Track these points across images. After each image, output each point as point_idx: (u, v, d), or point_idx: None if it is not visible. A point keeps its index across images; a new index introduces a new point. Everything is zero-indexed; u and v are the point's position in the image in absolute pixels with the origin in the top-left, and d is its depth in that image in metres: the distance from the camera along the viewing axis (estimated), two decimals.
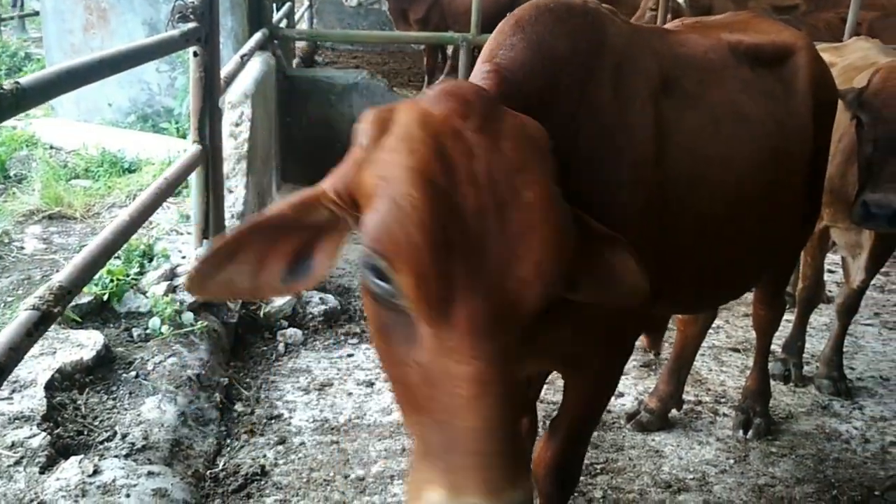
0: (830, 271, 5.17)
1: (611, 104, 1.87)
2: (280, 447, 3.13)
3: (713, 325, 4.39)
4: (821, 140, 2.77)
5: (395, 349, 1.30)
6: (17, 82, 2.20)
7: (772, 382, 3.65)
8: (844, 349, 3.92)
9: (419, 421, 1.26)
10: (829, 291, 4.94)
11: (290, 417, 3.34)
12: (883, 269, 4.32)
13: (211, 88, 3.85)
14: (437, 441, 1.20)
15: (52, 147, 6.19)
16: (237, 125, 4.96)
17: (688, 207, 2.10)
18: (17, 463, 2.64)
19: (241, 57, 4.97)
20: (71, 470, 2.57)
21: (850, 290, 3.77)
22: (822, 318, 4.60)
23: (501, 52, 1.78)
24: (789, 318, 4.16)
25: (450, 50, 9.53)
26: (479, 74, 1.74)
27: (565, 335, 1.93)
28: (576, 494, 2.89)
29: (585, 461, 3.14)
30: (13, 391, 2.97)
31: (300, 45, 9.75)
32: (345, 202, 1.37)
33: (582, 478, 3.07)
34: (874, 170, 3.00)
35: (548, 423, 2.44)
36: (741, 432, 3.41)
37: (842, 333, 3.88)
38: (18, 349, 2.04)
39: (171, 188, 3.47)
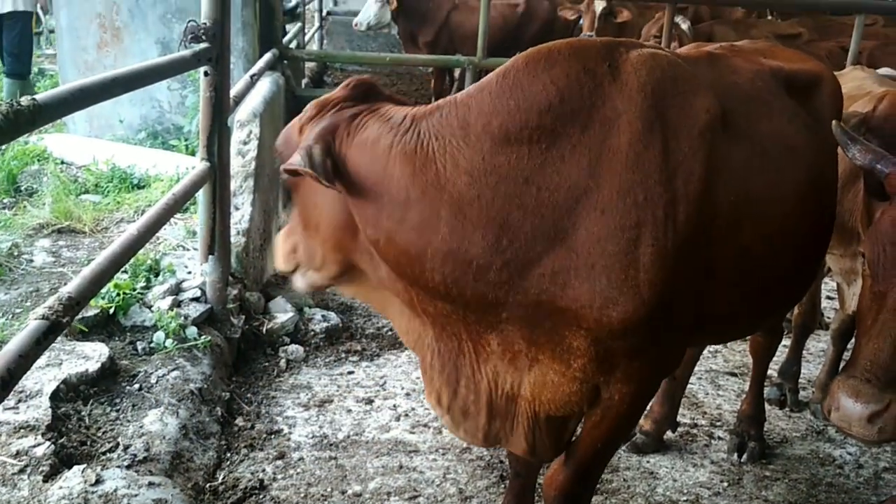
0: (829, 297, 5.20)
1: (634, 145, 1.91)
2: (279, 462, 3.17)
3: (711, 350, 4.44)
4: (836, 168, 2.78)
5: None
6: (33, 99, 2.28)
7: (767, 407, 3.68)
8: None
9: None
10: (827, 317, 4.97)
11: (290, 433, 3.38)
12: None
13: (220, 107, 3.94)
14: None
15: (63, 162, 6.28)
16: (245, 143, 5.04)
17: (733, 241, 2.11)
18: (22, 471, 2.69)
19: (251, 77, 5.07)
20: (74, 479, 2.62)
21: (845, 316, 3.81)
22: (820, 344, 4.63)
23: (470, 92, 2.02)
24: (786, 343, 4.20)
25: (457, 73, 9.65)
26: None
27: (591, 371, 2.01)
28: None
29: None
30: (19, 401, 3.02)
31: (309, 65, 9.88)
32: None
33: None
34: None
35: None
36: (735, 456, 3.44)
37: (837, 359, 3.91)
38: (27, 357, 2.10)
39: (179, 204, 3.54)
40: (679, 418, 3.59)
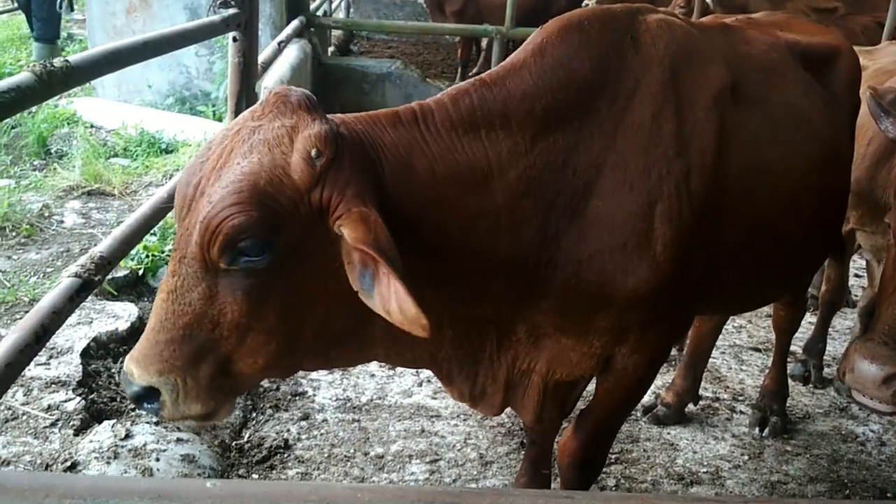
0: (857, 275, 5.15)
1: (656, 118, 1.89)
2: (303, 423, 3.22)
3: (736, 325, 4.43)
4: (853, 143, 2.78)
5: None
6: (66, 60, 2.30)
7: (791, 383, 3.67)
8: None
9: None
10: (854, 295, 4.92)
11: (314, 395, 3.43)
12: None
13: (248, 73, 3.95)
14: None
15: (92, 126, 6.35)
16: None
17: (744, 212, 2.10)
18: (53, 425, 2.77)
19: (279, 44, 5.07)
20: (104, 433, 2.68)
21: (873, 294, 3.77)
22: (846, 322, 4.59)
23: (501, 74, 1.85)
24: (812, 319, 4.17)
25: (484, 42, 9.57)
26: (458, 88, 1.84)
27: (605, 340, 2.00)
28: None
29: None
30: (50, 357, 3.10)
31: (336, 33, 9.85)
32: None
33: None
34: None
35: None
36: (757, 430, 3.44)
37: None
38: (60, 313, 2.14)
39: None
40: (701, 392, 3.58)
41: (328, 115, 1.65)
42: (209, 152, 1.59)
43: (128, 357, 1.58)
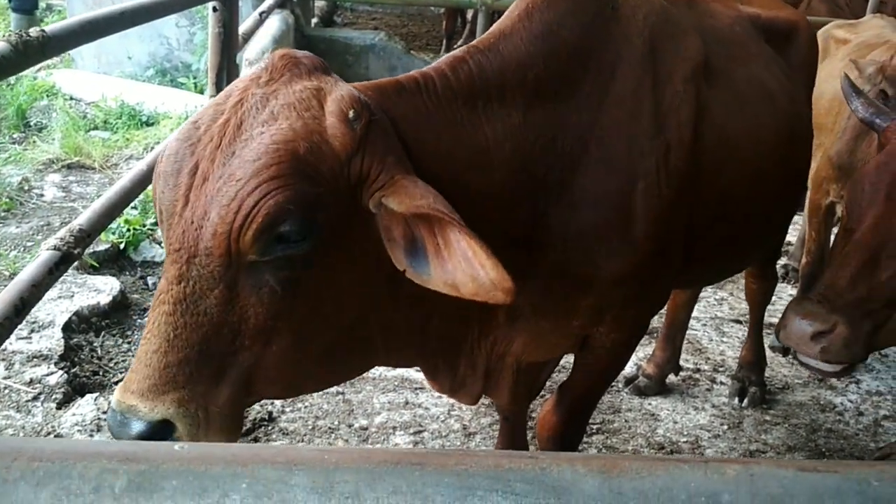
0: None
1: (636, 92, 1.85)
2: None
3: (717, 297, 4.47)
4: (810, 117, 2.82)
5: None
6: (42, 30, 2.26)
7: (770, 354, 3.72)
8: None
9: None
10: None
11: None
12: None
13: (229, 44, 3.90)
14: None
15: (71, 98, 6.27)
16: None
17: (717, 185, 2.09)
18: (35, 398, 2.76)
19: (260, 14, 5.00)
20: (87, 406, 2.69)
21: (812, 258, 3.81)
22: None
23: (493, 41, 1.74)
24: (792, 292, 4.22)
25: (469, 14, 9.49)
26: (450, 58, 1.71)
27: (581, 317, 1.97)
28: None
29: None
30: (32, 331, 3.09)
31: (319, 4, 9.73)
32: None
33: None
34: None
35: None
36: (736, 400, 3.49)
37: None
38: (40, 286, 2.13)
39: None
40: (682, 363, 3.63)
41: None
42: (198, 132, 1.35)
43: (121, 390, 1.30)
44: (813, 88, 2.88)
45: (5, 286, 3.37)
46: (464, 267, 1.30)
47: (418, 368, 2.09)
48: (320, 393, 3.27)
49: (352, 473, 0.59)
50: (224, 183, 1.28)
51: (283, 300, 1.32)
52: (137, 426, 1.26)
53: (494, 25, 1.84)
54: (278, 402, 3.18)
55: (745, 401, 3.49)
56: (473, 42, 1.79)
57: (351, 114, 1.35)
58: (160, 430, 1.27)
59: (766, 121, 2.28)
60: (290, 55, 1.45)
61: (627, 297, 1.97)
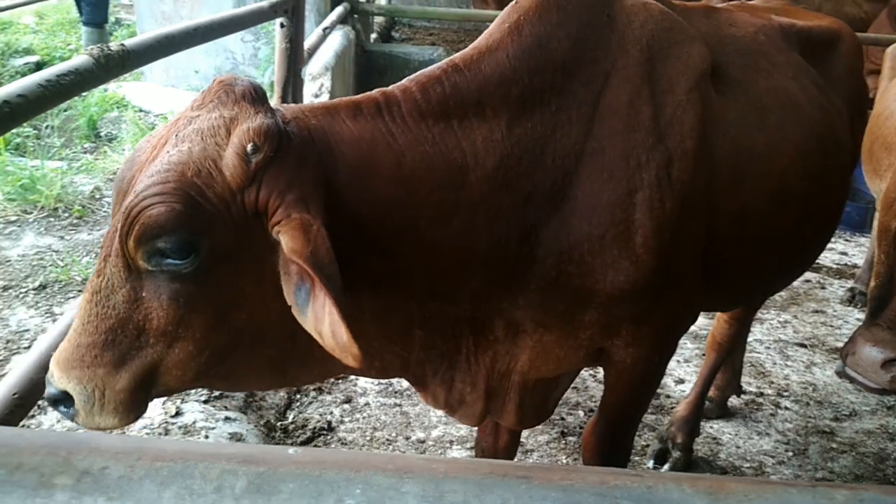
0: None
1: (633, 102, 1.80)
2: (346, 406, 3.27)
3: (782, 320, 4.37)
4: (855, 132, 2.67)
5: None
6: (122, 44, 2.35)
7: (837, 381, 3.61)
8: None
9: None
10: None
11: (357, 379, 3.47)
12: None
13: (295, 59, 3.99)
14: None
15: (140, 110, 6.47)
16: (317, 96, 5.11)
17: (734, 200, 2.01)
18: None
19: (324, 30, 5.11)
20: (155, 410, 2.75)
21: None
22: None
23: (475, 57, 1.71)
24: (860, 316, 4.10)
25: None
26: (434, 69, 1.70)
27: (598, 333, 1.91)
28: None
29: (643, 443, 3.20)
30: None
31: (377, 20, 9.87)
32: None
33: (636, 458, 3.13)
34: None
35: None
36: (651, 463, 3.13)
37: None
38: None
39: None
40: (745, 387, 3.55)
41: (280, 106, 1.54)
42: (146, 144, 1.47)
43: (53, 355, 1.45)
44: (857, 100, 2.74)
45: (79, 291, 3.50)
46: (327, 322, 1.32)
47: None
48: (378, 404, 3.30)
49: (460, 483, 0.60)
50: (130, 194, 1.41)
51: (180, 310, 1.40)
52: (49, 389, 1.45)
53: (481, 37, 1.79)
54: (336, 412, 3.21)
55: (665, 467, 3.08)
56: (454, 57, 1.74)
57: (249, 147, 1.39)
58: (63, 400, 1.44)
59: (791, 134, 2.17)
60: (226, 82, 1.50)
61: (638, 314, 1.89)
